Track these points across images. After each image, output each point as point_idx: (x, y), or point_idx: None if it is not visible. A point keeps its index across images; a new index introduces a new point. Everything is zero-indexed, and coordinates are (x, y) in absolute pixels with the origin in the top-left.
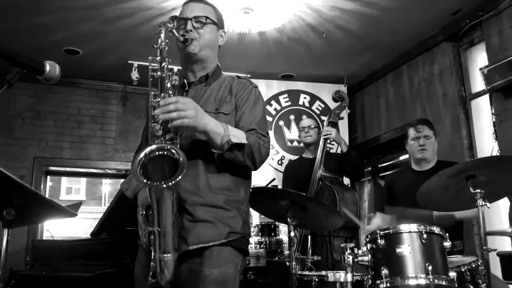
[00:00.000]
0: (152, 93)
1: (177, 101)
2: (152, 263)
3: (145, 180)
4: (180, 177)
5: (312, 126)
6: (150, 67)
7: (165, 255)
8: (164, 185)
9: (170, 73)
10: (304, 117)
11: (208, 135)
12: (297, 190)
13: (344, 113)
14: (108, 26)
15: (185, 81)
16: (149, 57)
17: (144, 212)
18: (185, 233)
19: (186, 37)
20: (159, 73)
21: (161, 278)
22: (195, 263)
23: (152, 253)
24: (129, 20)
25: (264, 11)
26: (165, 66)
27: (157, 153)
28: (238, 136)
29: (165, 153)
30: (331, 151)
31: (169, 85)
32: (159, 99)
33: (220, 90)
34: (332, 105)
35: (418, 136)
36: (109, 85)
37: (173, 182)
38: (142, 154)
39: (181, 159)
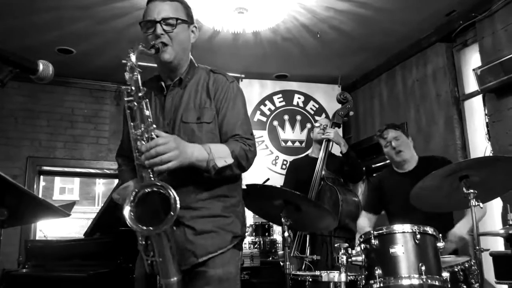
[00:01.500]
0: (132, 124)
1: (156, 144)
2: (158, 285)
3: (141, 227)
4: (170, 223)
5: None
6: (125, 98)
7: (169, 280)
8: (155, 232)
9: (147, 100)
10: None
11: (194, 164)
12: (298, 189)
13: (350, 114)
14: (101, 25)
15: (162, 83)
16: (122, 87)
17: (143, 242)
18: (192, 246)
19: (157, 46)
20: (135, 103)
21: None
22: (198, 265)
23: (157, 278)
24: (122, 19)
25: (258, 11)
26: (141, 95)
27: (149, 189)
28: (222, 156)
29: (159, 190)
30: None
31: (147, 113)
32: (141, 130)
33: (198, 93)
34: (328, 105)
35: (388, 141)
36: (102, 85)
37: (163, 229)
38: (131, 197)
39: (174, 205)
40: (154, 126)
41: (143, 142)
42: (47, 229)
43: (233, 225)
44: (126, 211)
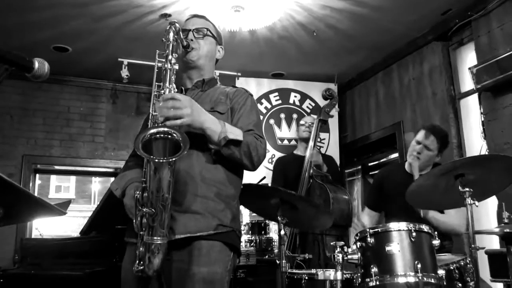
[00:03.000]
0: (157, 83)
1: (173, 97)
2: (141, 249)
3: (150, 156)
4: (183, 153)
5: (312, 124)
6: (157, 59)
7: (155, 238)
8: (167, 160)
9: (176, 67)
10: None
11: (205, 131)
12: (287, 187)
13: (334, 111)
14: (98, 23)
15: (182, 88)
16: (157, 51)
17: (140, 193)
18: (173, 223)
19: (189, 43)
20: (165, 65)
21: (149, 268)
22: (183, 262)
23: (142, 237)
24: (119, 17)
25: (254, 9)
26: (172, 60)
27: (160, 135)
28: (235, 133)
29: (168, 136)
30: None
31: (173, 78)
32: (164, 90)
33: (215, 94)
34: (323, 103)
35: (419, 141)
36: (98, 83)
37: (176, 158)
38: (146, 133)
39: (181, 139)
40: (177, 90)
41: (162, 99)
42: (43, 227)
43: (222, 213)
44: (137, 143)
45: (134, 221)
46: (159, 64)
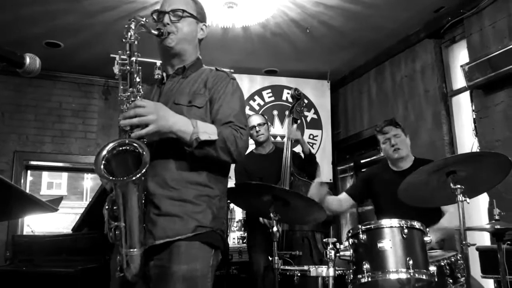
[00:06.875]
0: (122, 87)
1: (135, 106)
2: (118, 258)
3: (110, 177)
4: (143, 172)
5: (262, 124)
6: (119, 61)
7: (131, 250)
8: (128, 180)
9: (139, 67)
10: (250, 113)
11: (176, 134)
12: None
13: (304, 111)
14: (90, 19)
15: (164, 74)
16: (119, 52)
17: (109, 207)
18: (152, 227)
19: (162, 30)
20: (127, 67)
21: (128, 273)
22: (163, 260)
23: (119, 248)
24: (111, 13)
25: (248, 5)
26: (134, 60)
27: (119, 148)
28: (208, 132)
29: (128, 148)
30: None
31: (138, 79)
32: (128, 93)
33: (196, 83)
34: (317, 100)
35: (387, 137)
36: (91, 79)
37: (136, 176)
38: (104, 151)
39: (144, 153)
40: (142, 93)
41: (127, 105)
42: (35, 224)
43: (201, 214)
44: (98, 163)
45: (107, 232)
46: (122, 68)
